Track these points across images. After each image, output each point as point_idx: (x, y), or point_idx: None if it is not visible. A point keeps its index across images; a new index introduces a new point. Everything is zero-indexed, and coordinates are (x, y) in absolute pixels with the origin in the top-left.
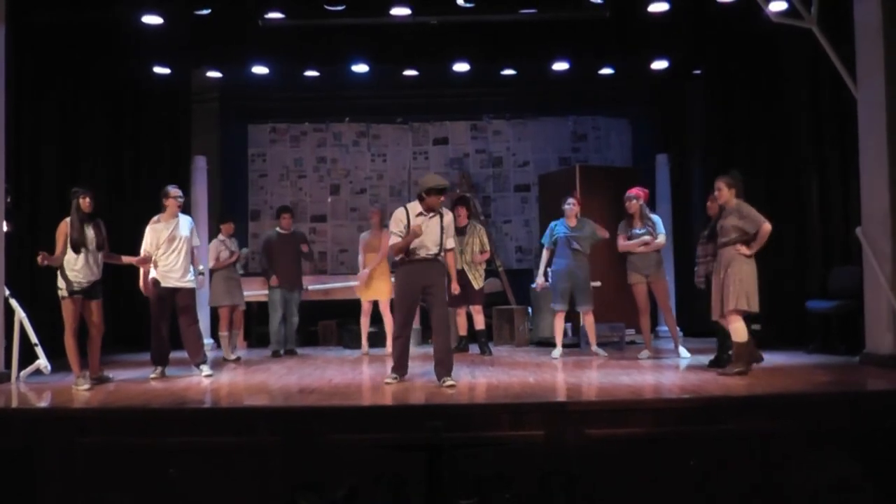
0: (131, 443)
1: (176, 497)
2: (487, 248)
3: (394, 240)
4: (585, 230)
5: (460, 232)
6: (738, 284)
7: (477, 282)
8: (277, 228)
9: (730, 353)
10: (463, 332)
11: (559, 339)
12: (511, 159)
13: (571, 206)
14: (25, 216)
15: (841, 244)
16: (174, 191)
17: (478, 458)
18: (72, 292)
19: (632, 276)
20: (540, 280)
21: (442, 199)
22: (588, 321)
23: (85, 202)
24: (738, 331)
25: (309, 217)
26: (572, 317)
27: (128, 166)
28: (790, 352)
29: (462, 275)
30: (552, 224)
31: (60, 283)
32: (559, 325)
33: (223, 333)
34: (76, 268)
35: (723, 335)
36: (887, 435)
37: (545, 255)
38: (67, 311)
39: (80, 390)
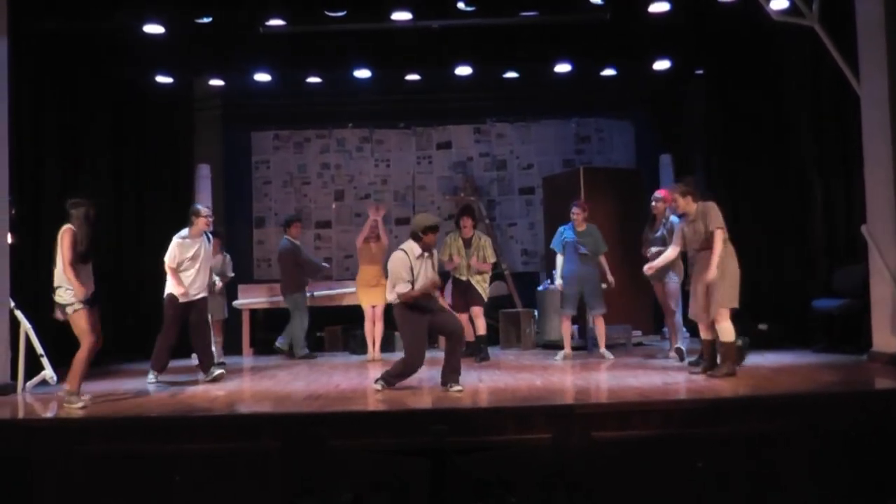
0: (135, 450)
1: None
2: (492, 259)
3: (403, 287)
4: (592, 236)
5: (467, 244)
6: (727, 283)
7: (484, 293)
8: (291, 238)
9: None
10: (470, 337)
11: (567, 343)
12: (515, 162)
13: (576, 214)
14: (29, 228)
15: (845, 242)
16: (205, 210)
17: (483, 462)
18: (83, 302)
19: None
20: (558, 282)
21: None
22: (599, 324)
23: (93, 213)
24: (727, 330)
25: (314, 223)
26: (578, 319)
27: (131, 175)
28: (796, 351)
29: (465, 283)
30: (561, 228)
31: (68, 297)
32: (566, 329)
33: None
34: (83, 278)
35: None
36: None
37: (558, 259)
38: (85, 321)
39: (74, 408)
